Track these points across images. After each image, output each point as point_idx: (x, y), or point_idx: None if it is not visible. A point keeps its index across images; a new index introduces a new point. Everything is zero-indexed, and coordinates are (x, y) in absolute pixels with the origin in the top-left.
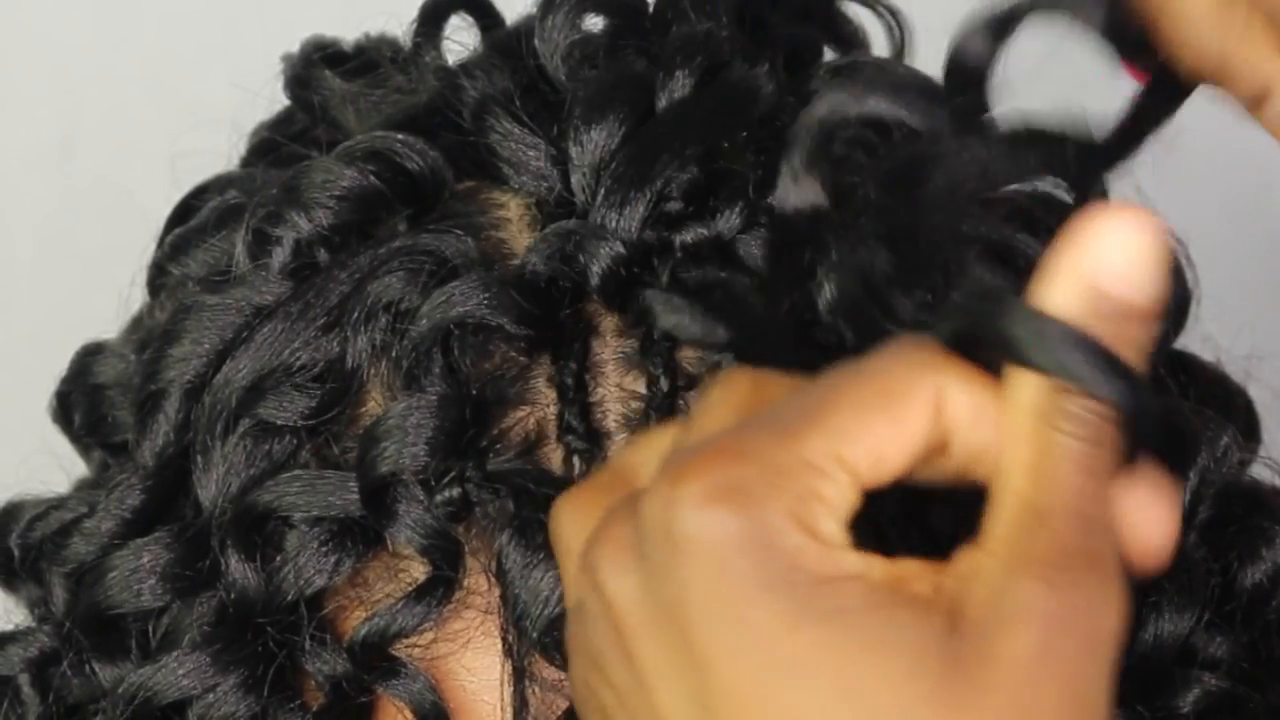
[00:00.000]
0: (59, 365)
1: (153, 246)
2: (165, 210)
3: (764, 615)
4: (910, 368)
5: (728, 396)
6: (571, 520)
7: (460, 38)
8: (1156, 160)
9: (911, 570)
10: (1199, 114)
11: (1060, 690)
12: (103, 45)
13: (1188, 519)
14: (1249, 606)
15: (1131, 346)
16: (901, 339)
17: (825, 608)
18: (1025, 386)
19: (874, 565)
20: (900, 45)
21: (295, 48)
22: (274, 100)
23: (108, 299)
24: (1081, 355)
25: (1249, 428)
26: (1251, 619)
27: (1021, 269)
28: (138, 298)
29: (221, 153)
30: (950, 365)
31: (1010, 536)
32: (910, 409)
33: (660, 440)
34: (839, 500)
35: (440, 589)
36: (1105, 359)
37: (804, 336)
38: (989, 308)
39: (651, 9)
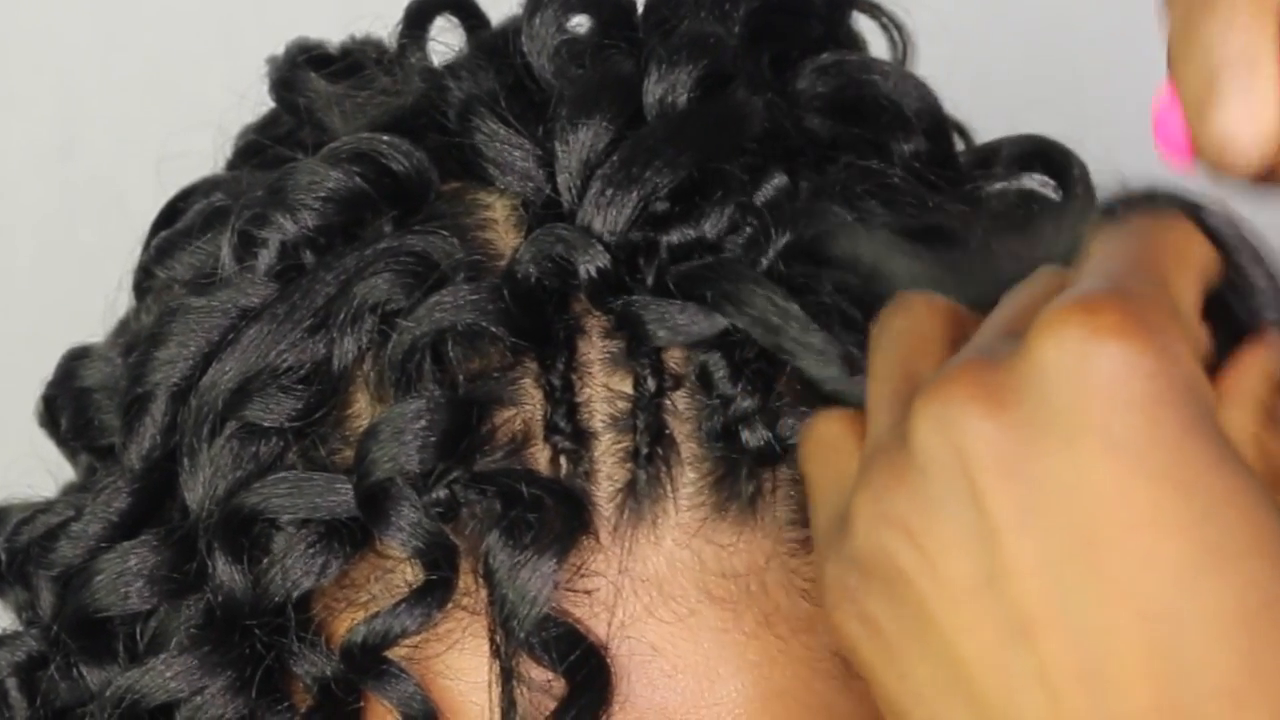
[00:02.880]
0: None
1: (139, 249)
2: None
3: (1198, 452)
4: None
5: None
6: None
7: (446, 39)
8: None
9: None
10: None
11: None
12: (103, 46)
13: None
14: None
15: None
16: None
17: (1230, 454)
18: None
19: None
20: (903, 55)
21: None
22: (259, 103)
23: (106, 301)
24: None
25: None
26: None
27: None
28: (124, 301)
29: (209, 155)
30: None
31: None
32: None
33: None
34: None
35: (438, 591)
36: None
37: None
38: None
39: (650, 1)
